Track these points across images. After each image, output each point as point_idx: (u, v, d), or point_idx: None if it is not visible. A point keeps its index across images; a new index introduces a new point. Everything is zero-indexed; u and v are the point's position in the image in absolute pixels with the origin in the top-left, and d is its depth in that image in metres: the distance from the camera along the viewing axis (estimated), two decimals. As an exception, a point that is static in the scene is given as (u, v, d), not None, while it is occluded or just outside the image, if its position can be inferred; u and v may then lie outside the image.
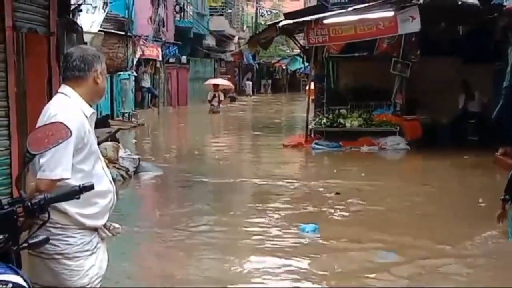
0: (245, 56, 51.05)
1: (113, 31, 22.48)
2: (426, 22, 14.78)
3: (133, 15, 26.09)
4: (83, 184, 2.93)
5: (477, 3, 14.22)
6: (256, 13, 55.74)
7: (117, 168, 11.39)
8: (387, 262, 6.56)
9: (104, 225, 3.46)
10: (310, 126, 17.04)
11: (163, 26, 32.44)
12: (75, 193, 2.91)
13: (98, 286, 3.43)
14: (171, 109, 33.94)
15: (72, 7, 12.32)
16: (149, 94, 31.66)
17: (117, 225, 3.54)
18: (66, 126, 2.94)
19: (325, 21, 15.82)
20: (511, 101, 13.13)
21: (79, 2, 14.20)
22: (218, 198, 10.64)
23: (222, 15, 44.43)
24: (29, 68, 8.40)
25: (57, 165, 3.17)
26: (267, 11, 57.35)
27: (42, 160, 3.16)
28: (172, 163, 14.46)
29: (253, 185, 11.39)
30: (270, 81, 60.20)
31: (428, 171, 12.83)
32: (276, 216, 8.74)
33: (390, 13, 15.01)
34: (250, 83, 52.18)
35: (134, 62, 27.39)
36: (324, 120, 16.84)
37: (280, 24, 17.52)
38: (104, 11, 20.61)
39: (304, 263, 6.54)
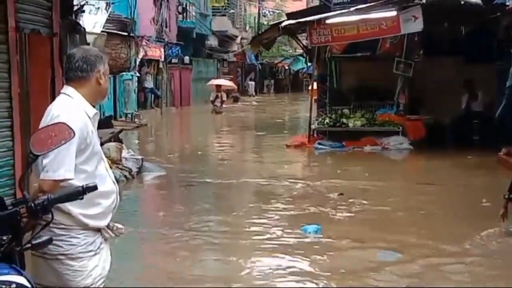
0: (247, 56, 51.07)
1: (115, 31, 22.51)
2: (429, 22, 14.76)
3: (135, 16, 26.13)
4: (86, 185, 2.93)
5: (480, 3, 14.20)
6: (259, 13, 55.79)
7: (120, 169, 11.40)
8: (389, 262, 6.56)
9: (107, 226, 3.46)
10: (313, 126, 17.03)
11: (166, 27, 32.47)
12: (78, 193, 2.91)
13: (102, 286, 3.44)
14: (174, 109, 33.97)
15: (75, 8, 12.34)
16: (152, 95, 31.69)
17: (120, 226, 3.55)
18: (69, 126, 2.94)
19: (327, 21, 15.82)
20: (514, 100, 13.13)
21: (82, 3, 14.23)
22: (221, 198, 10.64)
23: (224, 15, 44.43)
24: (32, 69, 8.41)
25: (60, 166, 3.18)
26: (269, 11, 57.35)
27: (45, 161, 3.17)
28: (175, 164, 14.47)
29: (256, 185, 11.39)
30: (272, 81, 60.23)
31: (431, 171, 12.81)
32: (279, 216, 8.75)
33: (393, 13, 14.99)
34: (253, 83, 52.21)
35: (137, 63, 27.44)
36: (327, 120, 16.83)
37: (283, 24, 17.51)
38: (107, 12, 20.63)
39: (306, 263, 6.54)
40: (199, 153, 16.42)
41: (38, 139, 2.90)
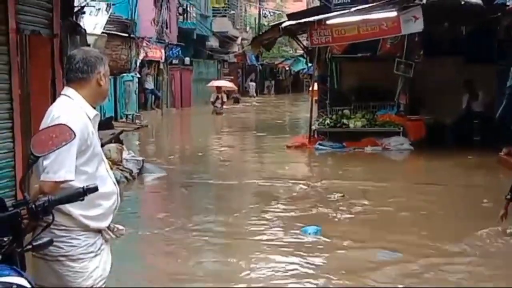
0: (248, 57, 51.10)
1: (116, 33, 22.46)
2: (429, 22, 14.76)
3: (136, 17, 26.10)
4: (87, 186, 2.93)
5: (480, 3, 14.20)
6: (259, 14, 55.85)
7: (121, 170, 11.41)
8: (389, 261, 6.56)
9: (108, 227, 3.46)
10: (313, 127, 17.03)
11: (166, 28, 32.48)
12: (79, 195, 2.91)
13: (102, 287, 3.44)
14: (174, 110, 33.99)
15: (76, 9, 12.34)
16: (153, 96, 31.71)
17: (121, 227, 3.55)
18: (69, 128, 2.95)
19: (328, 22, 15.82)
20: (515, 101, 13.11)
21: (82, 4, 14.23)
22: (221, 199, 10.64)
23: (225, 16, 44.46)
24: (33, 70, 8.41)
25: (61, 167, 3.18)
26: (270, 12, 57.40)
27: (45, 162, 3.17)
28: (176, 165, 14.48)
29: (257, 186, 11.38)
30: (273, 82, 60.27)
31: (432, 171, 12.81)
32: (280, 217, 8.75)
33: (393, 14, 14.99)
34: (254, 84, 52.24)
35: (138, 64, 27.41)
36: (328, 121, 16.83)
37: (283, 25, 17.52)
38: (107, 13, 20.61)
39: (306, 264, 6.54)
40: (200, 154, 16.42)
41: (39, 141, 2.90)
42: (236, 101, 40.22)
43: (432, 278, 6.12)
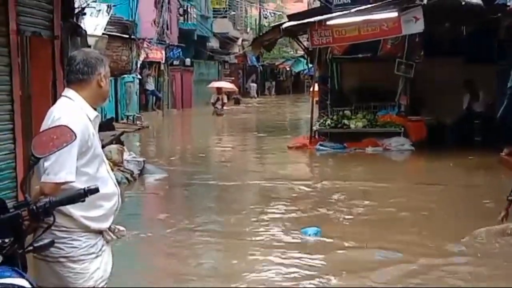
0: (249, 58, 51.14)
1: (117, 34, 22.49)
2: (430, 23, 14.76)
3: (137, 18, 26.13)
4: (88, 187, 2.93)
5: (481, 3, 14.20)
6: (260, 15, 55.84)
7: (122, 171, 11.41)
8: (389, 262, 6.56)
9: (109, 228, 3.46)
10: (314, 128, 17.03)
11: (167, 29, 32.49)
12: (80, 196, 2.91)
13: (103, 289, 3.45)
14: (175, 111, 34.00)
15: (76, 10, 12.35)
16: (153, 97, 31.73)
17: (122, 228, 3.55)
18: (70, 129, 2.95)
19: (328, 23, 15.82)
20: (516, 101, 13.12)
21: (83, 6, 14.24)
22: (222, 200, 10.64)
23: (225, 17, 44.46)
24: (34, 72, 8.42)
25: (62, 169, 3.18)
26: (270, 13, 57.39)
27: (46, 164, 3.17)
28: (177, 166, 14.48)
29: (258, 187, 11.39)
30: (274, 82, 60.28)
31: (433, 171, 12.80)
32: (281, 217, 8.75)
33: (394, 14, 14.99)
34: (255, 85, 52.27)
35: (138, 65, 27.43)
36: (329, 122, 16.83)
37: (284, 25, 17.53)
38: (108, 14, 20.63)
39: (307, 264, 6.55)
40: (201, 155, 16.42)
41: (40, 142, 2.90)
42: (237, 102, 40.23)
43: (432, 278, 6.12)
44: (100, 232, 3.41)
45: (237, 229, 8.16)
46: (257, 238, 7.68)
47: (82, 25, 12.77)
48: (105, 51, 16.89)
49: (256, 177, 12.35)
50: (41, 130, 3.18)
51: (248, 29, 53.90)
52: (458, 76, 16.07)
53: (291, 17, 19.82)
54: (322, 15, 16.36)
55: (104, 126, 14.26)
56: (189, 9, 36.88)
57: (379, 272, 6.25)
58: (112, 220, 3.47)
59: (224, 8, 44.35)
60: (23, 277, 2.57)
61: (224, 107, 31.41)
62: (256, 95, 50.62)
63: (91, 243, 3.35)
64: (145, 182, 11.92)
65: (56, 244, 3.06)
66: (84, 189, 2.92)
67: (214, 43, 42.38)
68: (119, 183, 3.76)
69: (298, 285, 6.00)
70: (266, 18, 56.59)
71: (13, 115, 7.64)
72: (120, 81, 26.15)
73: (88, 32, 13.37)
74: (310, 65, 21.51)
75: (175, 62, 34.87)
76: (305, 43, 19.57)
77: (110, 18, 21.10)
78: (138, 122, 25.31)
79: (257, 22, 55.29)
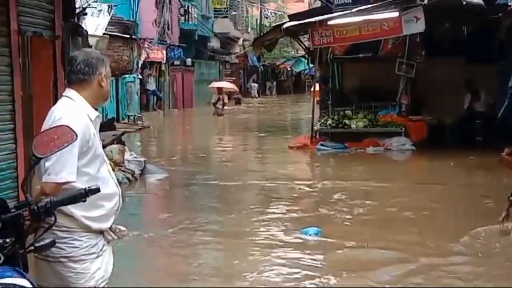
0: (250, 58, 51.13)
1: (118, 34, 22.48)
2: (431, 23, 14.76)
3: (138, 18, 26.14)
4: (89, 187, 2.94)
5: (481, 3, 14.20)
6: (261, 15, 55.84)
7: (123, 171, 11.42)
8: (390, 262, 6.55)
9: (110, 228, 3.47)
10: (315, 128, 17.03)
11: (168, 29, 32.50)
12: (81, 196, 2.92)
13: (104, 288, 3.45)
14: (176, 111, 34.02)
15: (77, 10, 12.35)
16: (154, 97, 31.74)
17: (123, 228, 3.55)
18: (71, 129, 2.95)
19: (329, 23, 15.83)
20: (516, 101, 13.12)
21: (84, 6, 14.24)
22: (223, 200, 10.64)
23: (226, 17, 44.46)
24: (35, 72, 8.42)
25: (62, 169, 3.19)
26: (271, 13, 57.40)
27: (47, 164, 3.18)
28: (178, 166, 14.48)
29: (259, 187, 11.39)
30: (275, 82, 60.26)
31: (434, 171, 12.81)
32: (282, 218, 8.75)
33: (395, 14, 15.00)
34: (256, 85, 52.24)
35: (139, 65, 27.42)
36: (330, 121, 16.83)
37: (285, 25, 17.55)
38: (109, 15, 20.64)
39: (307, 264, 6.55)
40: (201, 155, 16.43)
41: (41, 142, 2.91)
42: (238, 102, 40.24)
43: (433, 278, 6.12)
44: (101, 232, 3.42)
45: (238, 229, 8.16)
46: (258, 238, 7.69)
47: (83, 25, 12.78)
48: (106, 51, 16.90)
49: (257, 177, 12.36)
50: (42, 130, 3.18)
51: (249, 29, 53.90)
52: (459, 76, 16.06)
53: (292, 17, 19.83)
54: (323, 15, 16.37)
55: (105, 126, 14.24)
56: (190, 9, 36.89)
57: (379, 272, 6.25)
58: (113, 220, 3.47)
59: (225, 8, 44.35)
60: (24, 277, 2.58)
61: (225, 107, 31.41)
62: (257, 95, 50.61)
63: (92, 243, 3.35)
64: (146, 182, 11.93)
65: (57, 244, 3.06)
66: (85, 189, 2.92)
67: (215, 43, 42.38)
68: (120, 183, 3.76)
69: (298, 285, 6.00)
70: (267, 18, 56.61)
71: (14, 115, 7.64)
72: (121, 81, 26.16)
73: (89, 32, 13.38)
74: (311, 65, 21.57)
75: (176, 62, 34.88)
76: (306, 43, 19.56)
77: (111, 18, 21.11)
78: (139, 122, 25.33)
79: (258, 22, 55.29)
